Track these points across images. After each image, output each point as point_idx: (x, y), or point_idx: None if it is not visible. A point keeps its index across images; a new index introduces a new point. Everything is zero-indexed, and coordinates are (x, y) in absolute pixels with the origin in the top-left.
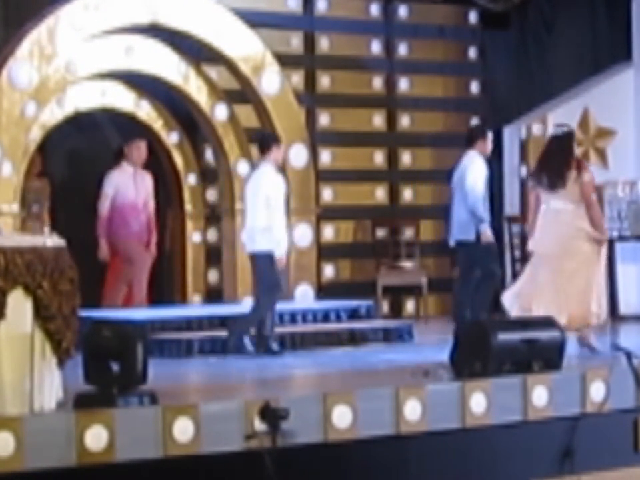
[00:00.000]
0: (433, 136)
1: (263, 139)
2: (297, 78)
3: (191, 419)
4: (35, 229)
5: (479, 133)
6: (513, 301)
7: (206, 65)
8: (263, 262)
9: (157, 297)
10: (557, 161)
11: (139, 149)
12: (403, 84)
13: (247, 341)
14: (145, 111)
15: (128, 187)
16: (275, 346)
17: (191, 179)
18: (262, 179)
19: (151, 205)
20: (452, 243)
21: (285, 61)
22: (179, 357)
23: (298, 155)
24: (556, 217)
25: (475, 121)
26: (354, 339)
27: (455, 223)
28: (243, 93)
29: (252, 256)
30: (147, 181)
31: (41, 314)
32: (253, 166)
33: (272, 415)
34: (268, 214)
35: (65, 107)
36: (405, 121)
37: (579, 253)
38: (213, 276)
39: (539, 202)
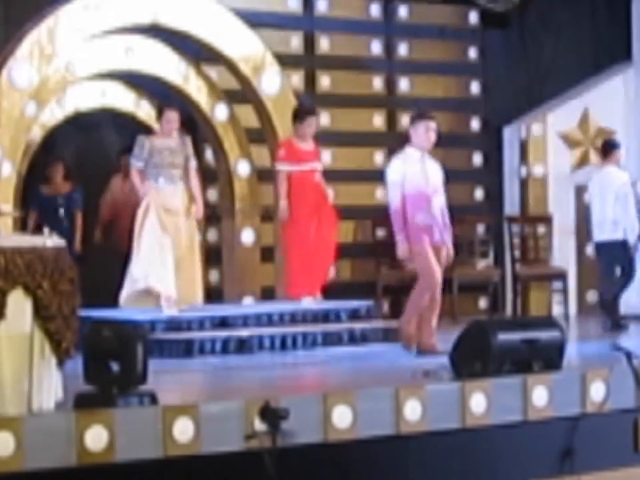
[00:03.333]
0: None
1: (608, 145)
2: (297, 78)
3: (191, 419)
4: (174, 192)
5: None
6: None
7: (206, 64)
8: (613, 250)
9: None
10: None
11: (428, 130)
12: (403, 84)
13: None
14: (144, 110)
15: (416, 173)
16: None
17: None
18: (610, 177)
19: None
20: None
21: (285, 61)
22: (178, 357)
23: None
24: None
25: (475, 121)
26: (354, 338)
27: None
28: (243, 92)
29: (601, 244)
30: (437, 167)
31: (40, 314)
32: (597, 168)
33: (272, 415)
34: (616, 207)
35: (65, 107)
36: (405, 121)
37: None
38: (213, 276)
39: None
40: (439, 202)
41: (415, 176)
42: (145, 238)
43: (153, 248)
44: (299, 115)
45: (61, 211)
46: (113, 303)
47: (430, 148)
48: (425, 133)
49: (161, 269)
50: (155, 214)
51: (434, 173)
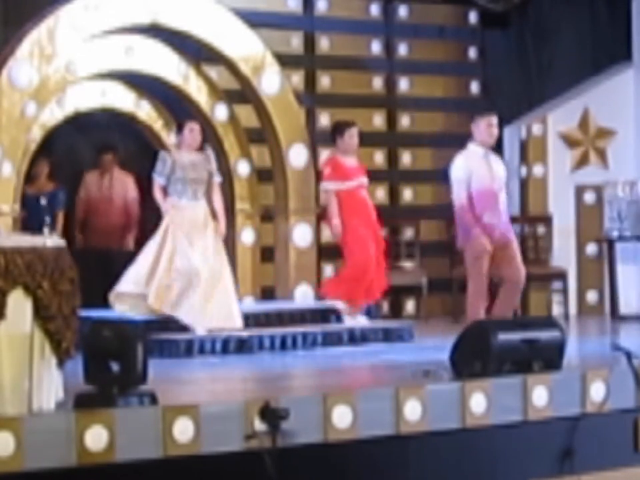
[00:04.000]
0: (432, 136)
1: None
2: (297, 78)
3: (191, 419)
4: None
5: None
6: None
7: (206, 64)
8: None
9: None
10: None
11: (490, 125)
12: (403, 84)
13: None
14: (144, 110)
15: (481, 170)
16: None
17: None
18: None
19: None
20: None
21: (285, 60)
22: (178, 357)
23: (298, 155)
24: None
25: None
26: (354, 339)
27: None
28: (242, 92)
29: None
30: (501, 163)
31: (40, 314)
32: None
33: (272, 415)
34: None
35: (65, 107)
36: (405, 121)
37: None
38: None
39: None
40: (503, 199)
41: (480, 173)
42: (162, 263)
43: (168, 268)
44: (339, 129)
45: (45, 211)
46: (97, 304)
47: (493, 144)
48: (486, 128)
49: (180, 296)
50: (172, 237)
51: (498, 170)
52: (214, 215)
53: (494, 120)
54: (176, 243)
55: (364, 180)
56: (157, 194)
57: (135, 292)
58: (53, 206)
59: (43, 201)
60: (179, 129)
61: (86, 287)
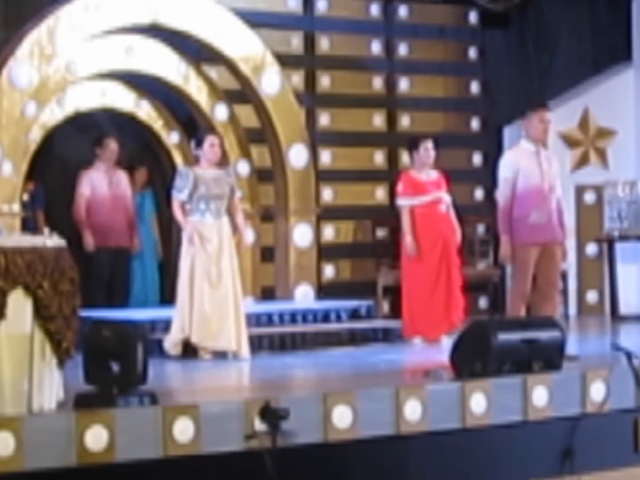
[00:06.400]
0: (432, 136)
1: None
2: (297, 78)
3: (191, 419)
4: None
5: None
6: None
7: (206, 64)
8: None
9: (157, 297)
10: None
11: (543, 121)
12: (403, 84)
13: None
14: (144, 110)
15: (530, 168)
16: None
17: None
18: None
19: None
20: None
21: (285, 60)
22: (178, 357)
23: (298, 155)
24: None
25: (475, 121)
26: (354, 338)
27: None
28: (243, 92)
29: None
30: (553, 161)
31: (41, 314)
32: None
33: (272, 414)
34: None
35: (65, 107)
36: (405, 120)
37: None
38: None
39: None
40: (555, 198)
41: (530, 171)
42: (195, 292)
43: (202, 301)
44: (414, 143)
45: (28, 212)
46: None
47: (546, 140)
48: (538, 123)
49: (208, 322)
50: (200, 264)
51: (549, 168)
52: (235, 229)
53: (546, 116)
54: (204, 277)
55: (441, 195)
56: (177, 212)
57: (183, 337)
58: (34, 206)
59: (26, 202)
60: (199, 143)
61: (108, 288)
